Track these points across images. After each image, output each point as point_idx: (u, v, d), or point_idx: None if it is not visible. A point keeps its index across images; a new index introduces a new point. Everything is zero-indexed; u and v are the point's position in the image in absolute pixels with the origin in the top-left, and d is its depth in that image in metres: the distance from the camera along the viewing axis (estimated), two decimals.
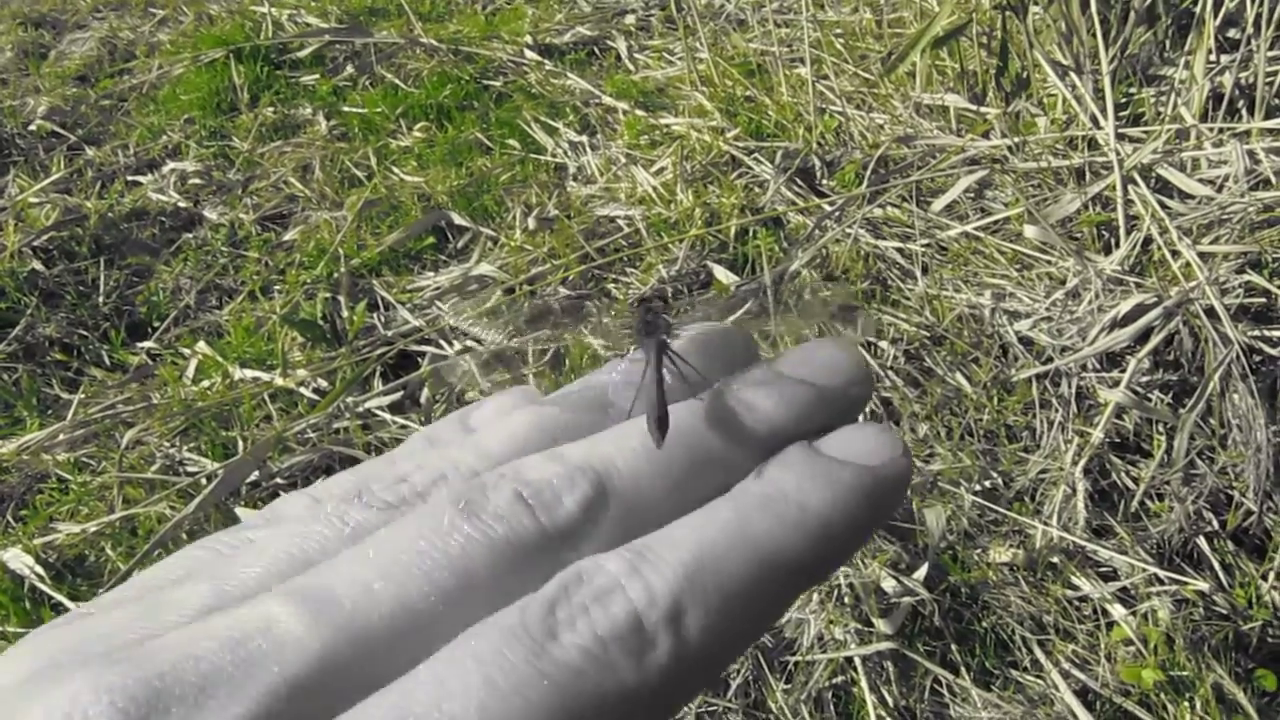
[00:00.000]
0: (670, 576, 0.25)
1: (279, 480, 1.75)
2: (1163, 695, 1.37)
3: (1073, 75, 2.11)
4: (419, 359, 2.00)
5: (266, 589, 0.26)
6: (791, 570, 0.27)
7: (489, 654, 0.23)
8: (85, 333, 2.22)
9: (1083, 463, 1.62)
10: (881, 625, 1.45)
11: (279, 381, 1.93)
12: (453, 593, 0.25)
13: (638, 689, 0.24)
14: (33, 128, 3.06)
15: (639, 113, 2.65)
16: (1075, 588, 1.50)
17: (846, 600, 1.48)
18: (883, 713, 1.39)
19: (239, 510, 1.68)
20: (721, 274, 2.05)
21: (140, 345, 2.18)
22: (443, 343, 2.01)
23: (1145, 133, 2.04)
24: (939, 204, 2.09)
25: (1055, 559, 1.52)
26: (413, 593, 0.25)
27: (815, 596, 1.48)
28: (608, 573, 0.25)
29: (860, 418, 0.31)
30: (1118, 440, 1.68)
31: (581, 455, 0.28)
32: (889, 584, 1.48)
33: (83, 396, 2.02)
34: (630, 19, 3.27)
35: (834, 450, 0.29)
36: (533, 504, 0.26)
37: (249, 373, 1.99)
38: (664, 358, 0.33)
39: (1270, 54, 2.01)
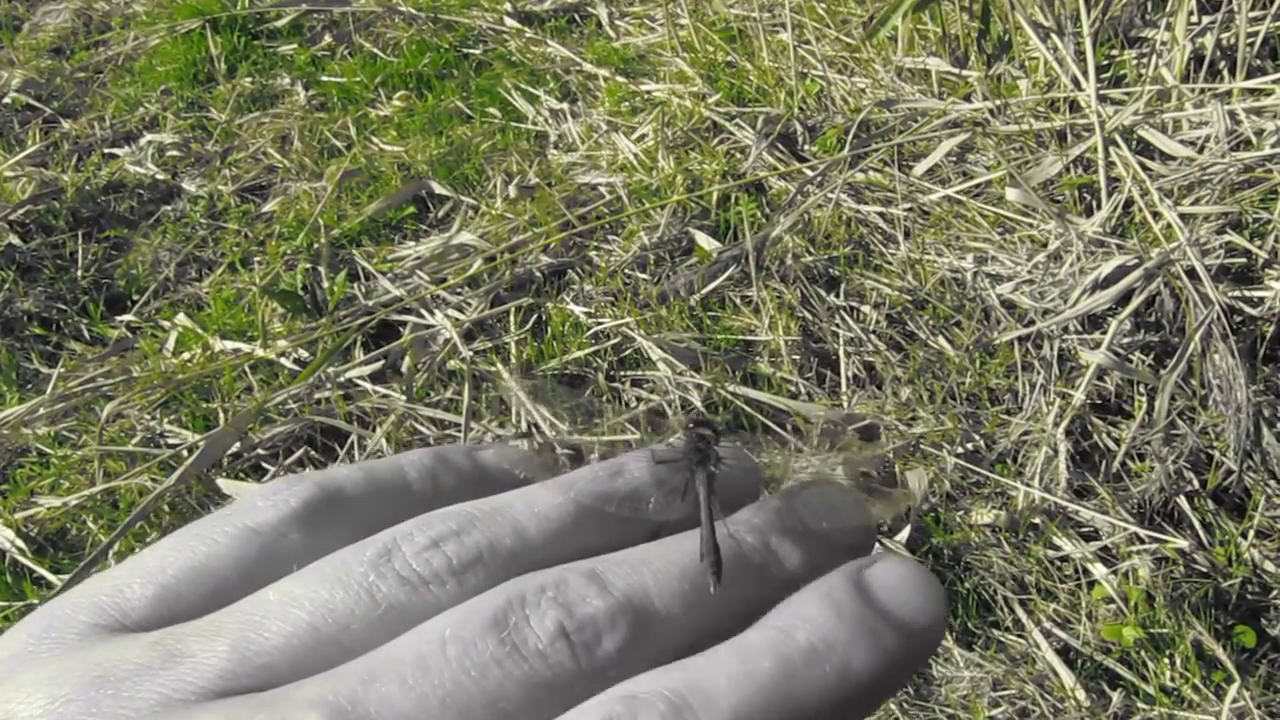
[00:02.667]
0: None
1: (260, 451, 1.74)
2: (1143, 652, 1.38)
3: (1054, 37, 2.10)
4: (400, 328, 1.99)
5: (288, 661, 0.26)
6: None
7: None
8: (64, 306, 2.21)
9: (1064, 424, 1.62)
10: None
11: (259, 353, 1.92)
12: None
13: None
14: (7, 100, 3.02)
15: (620, 79, 2.63)
16: (1057, 548, 1.51)
17: None
18: None
19: (223, 483, 1.68)
20: (703, 240, 2.04)
21: (119, 318, 2.17)
22: (424, 312, 2.00)
23: (1126, 94, 2.03)
24: (921, 168, 2.08)
25: (1037, 520, 1.53)
26: None
27: None
28: (657, 712, 0.25)
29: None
30: (1099, 402, 1.68)
31: (624, 587, 0.28)
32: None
33: (62, 370, 2.00)
34: None
35: (883, 599, 0.28)
36: (574, 641, 0.26)
37: (229, 344, 1.98)
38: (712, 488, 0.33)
39: (1251, 14, 2.00)
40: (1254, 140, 1.85)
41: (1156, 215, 1.78)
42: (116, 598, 0.29)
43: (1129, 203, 1.85)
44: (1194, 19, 2.05)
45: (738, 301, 1.92)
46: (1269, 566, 1.47)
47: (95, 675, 0.26)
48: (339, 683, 0.25)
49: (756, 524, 0.31)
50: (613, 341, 1.88)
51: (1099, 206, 1.88)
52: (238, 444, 1.74)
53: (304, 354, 1.94)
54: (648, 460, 0.34)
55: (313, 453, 1.75)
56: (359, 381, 1.86)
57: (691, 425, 0.36)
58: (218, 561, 0.30)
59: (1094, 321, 1.74)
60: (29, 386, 2.00)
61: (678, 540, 0.30)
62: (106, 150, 2.78)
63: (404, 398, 1.80)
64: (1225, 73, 2.05)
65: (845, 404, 1.72)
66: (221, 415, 1.82)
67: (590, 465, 0.33)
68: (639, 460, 0.34)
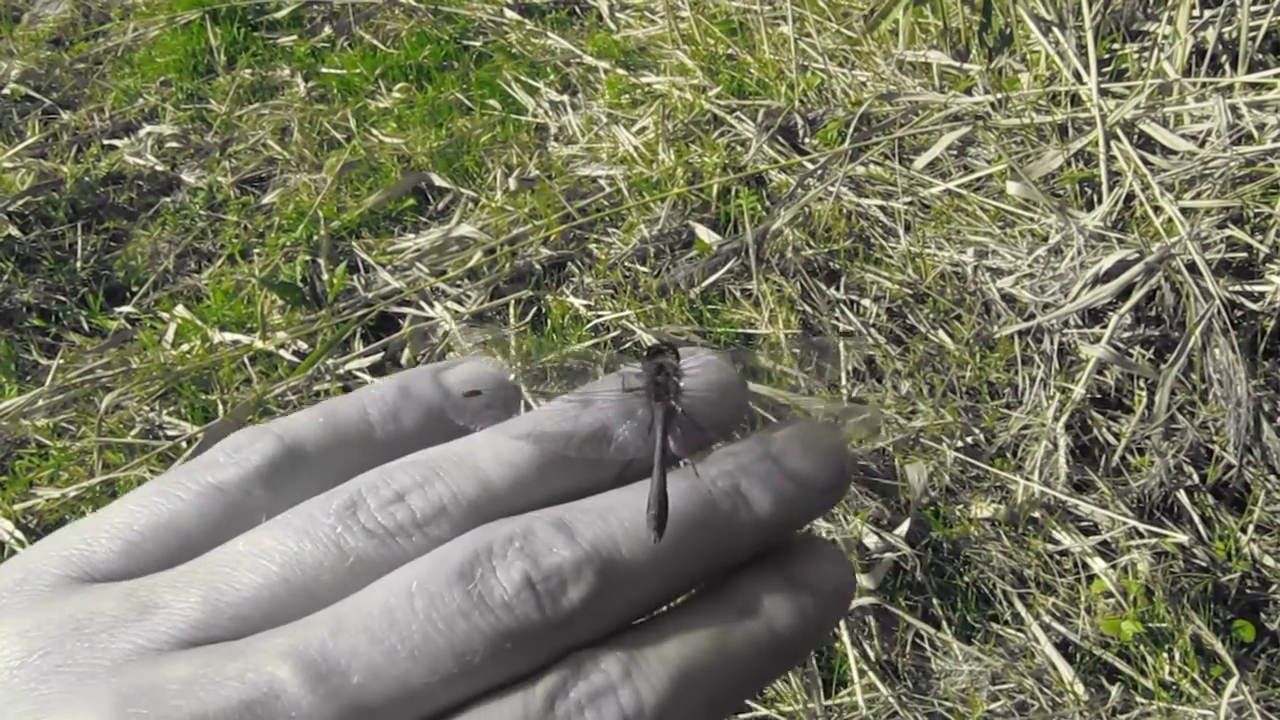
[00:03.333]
0: (657, 687, 0.27)
1: None
2: (1142, 647, 1.38)
3: (1056, 31, 2.09)
4: (399, 320, 1.99)
5: (260, 611, 0.27)
6: (754, 682, 0.29)
7: None
8: (63, 298, 2.20)
9: (1064, 418, 1.62)
10: (863, 580, 1.45)
11: (259, 344, 1.92)
12: (452, 676, 0.26)
13: None
14: (6, 92, 3.01)
15: (620, 72, 2.63)
16: (1056, 542, 1.51)
17: None
18: (864, 667, 1.40)
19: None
20: (703, 233, 2.04)
21: (119, 310, 2.16)
22: (423, 304, 2.00)
23: (1128, 88, 2.03)
24: (921, 161, 2.07)
25: (1036, 514, 1.53)
26: (416, 676, 0.25)
27: None
28: (604, 674, 0.27)
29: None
30: (1099, 396, 1.68)
31: (592, 536, 0.28)
32: (871, 540, 1.48)
33: (61, 362, 2.00)
34: None
35: (809, 578, 0.30)
36: (540, 592, 0.27)
37: (228, 336, 1.97)
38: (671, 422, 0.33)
39: (1253, 8, 1.99)
40: (1255, 134, 1.85)
41: (1157, 209, 1.78)
42: (85, 550, 0.29)
43: (1130, 197, 1.84)
44: (1196, 13, 2.05)
45: (738, 294, 1.92)
46: (1268, 561, 1.47)
47: (70, 628, 0.26)
48: (309, 633, 0.26)
49: (726, 466, 0.31)
50: (613, 334, 1.87)
51: (1100, 200, 1.88)
52: None
53: (303, 346, 1.94)
54: (617, 389, 0.34)
55: None
56: (358, 373, 1.85)
57: (649, 353, 0.35)
58: (183, 519, 0.30)
59: (1094, 316, 1.74)
60: (28, 378, 2.00)
61: (648, 485, 0.30)
62: (106, 142, 2.77)
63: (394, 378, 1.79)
64: (1227, 67, 2.05)
65: (845, 397, 1.72)
66: (220, 407, 1.82)
67: (559, 399, 0.33)
68: (608, 390, 0.34)
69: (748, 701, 1.39)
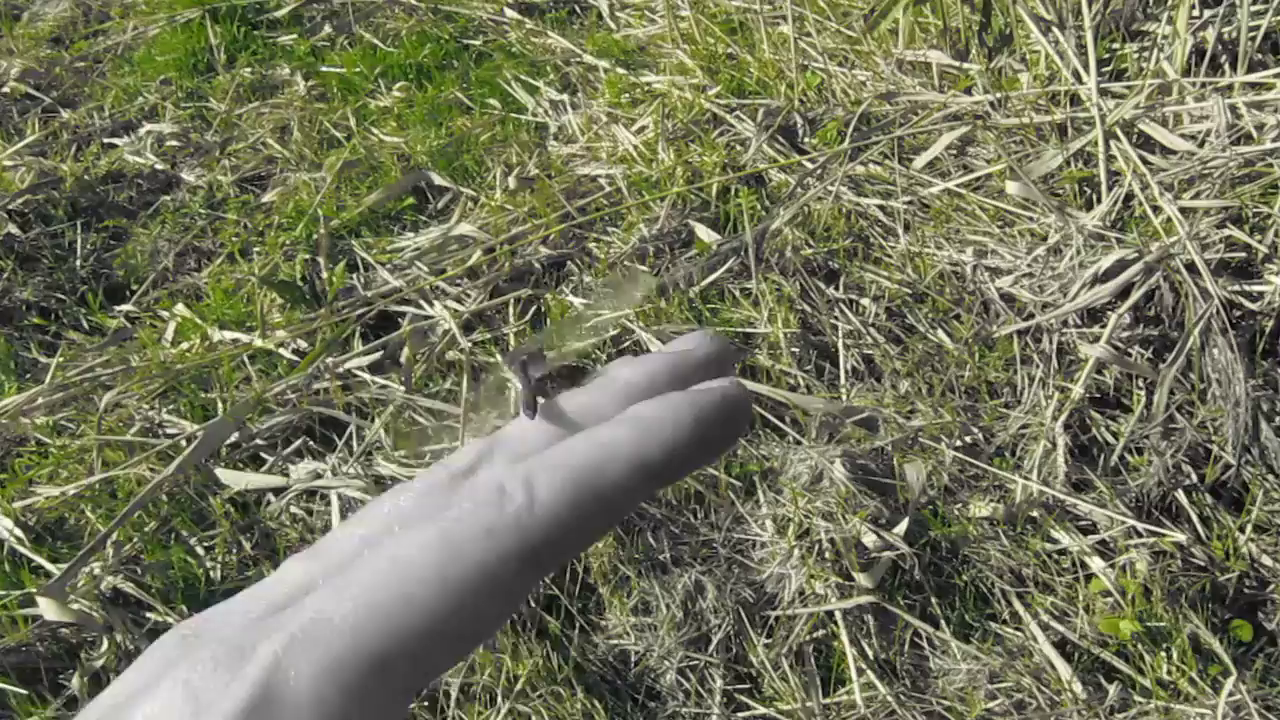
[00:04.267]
0: (543, 476, 0.32)
1: (259, 441, 1.74)
2: (1140, 646, 1.39)
3: (1055, 30, 2.09)
4: (399, 319, 1.99)
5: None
6: (640, 481, 0.34)
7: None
8: (63, 296, 2.20)
9: (1063, 418, 1.62)
10: (862, 579, 1.46)
11: (258, 343, 1.92)
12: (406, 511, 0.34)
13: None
14: (6, 90, 3.01)
15: (620, 71, 2.63)
16: (1054, 541, 1.51)
17: (827, 555, 1.49)
18: (863, 665, 1.40)
19: (221, 473, 1.67)
20: (703, 232, 2.04)
21: (118, 308, 2.17)
22: (423, 303, 2.00)
23: (1127, 88, 2.03)
24: (921, 161, 2.08)
25: (1035, 513, 1.53)
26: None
27: (796, 551, 1.49)
28: (501, 466, 0.34)
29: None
30: (1098, 395, 1.68)
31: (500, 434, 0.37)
32: (869, 539, 1.48)
33: (61, 360, 2.00)
34: None
35: (686, 392, 0.36)
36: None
37: (228, 334, 1.97)
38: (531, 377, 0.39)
39: (1253, 9, 2.00)
40: (1255, 134, 1.85)
41: (1156, 209, 1.78)
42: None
43: (1129, 196, 1.84)
44: (1195, 13, 2.05)
45: (737, 294, 1.92)
46: (1266, 561, 1.48)
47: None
48: (317, 545, 0.34)
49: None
50: (612, 334, 1.88)
51: (1099, 200, 1.88)
52: (236, 434, 1.74)
53: (303, 344, 1.94)
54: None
55: (311, 443, 1.75)
56: (358, 372, 1.85)
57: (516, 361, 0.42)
58: None
59: (1093, 315, 1.74)
60: (28, 376, 2.00)
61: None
62: (106, 140, 2.77)
63: (402, 388, 1.80)
64: (1226, 67, 2.05)
65: (844, 397, 1.72)
66: (220, 405, 1.82)
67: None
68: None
69: (747, 700, 1.39)
